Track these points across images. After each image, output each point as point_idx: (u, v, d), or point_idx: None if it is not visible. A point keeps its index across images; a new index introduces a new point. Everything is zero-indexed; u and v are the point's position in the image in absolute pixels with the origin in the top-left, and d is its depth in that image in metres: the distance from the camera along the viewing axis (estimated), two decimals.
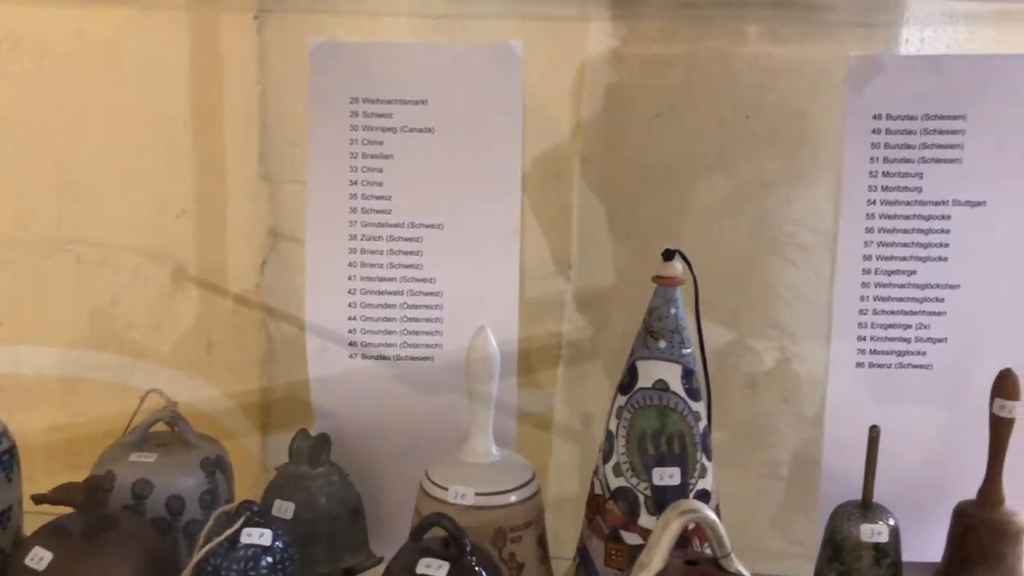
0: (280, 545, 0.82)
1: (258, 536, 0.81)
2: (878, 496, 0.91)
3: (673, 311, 0.89)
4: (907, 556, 0.94)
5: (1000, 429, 0.88)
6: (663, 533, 0.75)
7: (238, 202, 1.16)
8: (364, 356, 0.96)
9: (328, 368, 0.96)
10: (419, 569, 0.75)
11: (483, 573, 0.75)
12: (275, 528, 0.82)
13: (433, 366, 0.95)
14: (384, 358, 0.96)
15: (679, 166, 1.12)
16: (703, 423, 0.89)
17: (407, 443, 0.96)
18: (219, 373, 1.23)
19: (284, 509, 0.92)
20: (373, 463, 0.96)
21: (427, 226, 0.94)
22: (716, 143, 1.11)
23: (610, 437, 0.90)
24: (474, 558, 0.76)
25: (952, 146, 0.92)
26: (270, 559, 0.80)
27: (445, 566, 0.75)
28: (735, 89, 1.08)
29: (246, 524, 0.80)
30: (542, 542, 0.91)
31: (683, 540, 0.75)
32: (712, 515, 0.75)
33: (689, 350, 0.89)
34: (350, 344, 0.96)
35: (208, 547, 0.79)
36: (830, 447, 0.96)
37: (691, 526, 0.76)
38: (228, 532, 0.79)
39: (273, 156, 1.12)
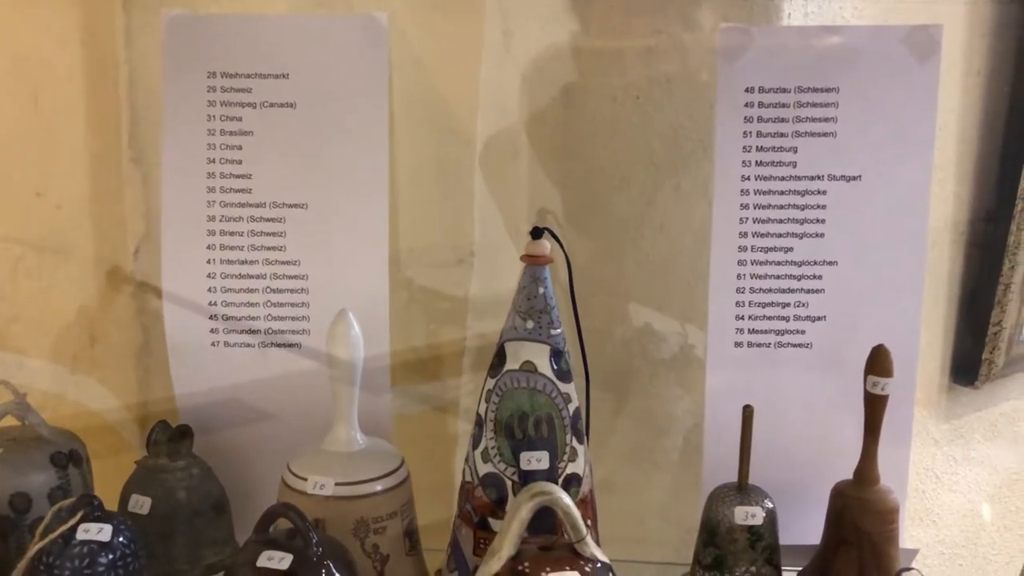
0: (122, 541, 0.77)
1: (96, 532, 0.76)
2: (759, 478, 0.89)
3: (542, 291, 0.86)
4: (790, 539, 0.92)
5: (874, 406, 0.87)
6: (514, 518, 0.71)
7: (109, 187, 1.11)
8: (227, 344, 0.92)
9: (189, 357, 0.92)
10: (260, 562, 0.71)
11: (330, 565, 0.72)
12: (117, 523, 0.78)
13: (300, 353, 0.92)
14: (248, 346, 0.92)
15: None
16: (574, 405, 0.86)
17: (275, 434, 0.92)
18: (102, 366, 1.19)
19: (140, 504, 0.87)
20: (239, 455, 0.92)
21: (290, 206, 0.90)
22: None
23: (479, 422, 0.87)
24: (321, 549, 0.73)
25: (826, 119, 0.90)
26: (109, 556, 0.76)
27: (288, 558, 0.72)
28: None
29: (84, 519, 0.76)
30: (410, 533, 0.88)
31: None
32: (565, 498, 0.72)
33: (559, 330, 0.86)
34: (211, 331, 0.91)
35: (41, 544, 0.74)
36: (711, 429, 0.94)
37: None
38: (62, 528, 0.75)
39: (143, 138, 1.07)
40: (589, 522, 0.87)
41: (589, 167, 1.12)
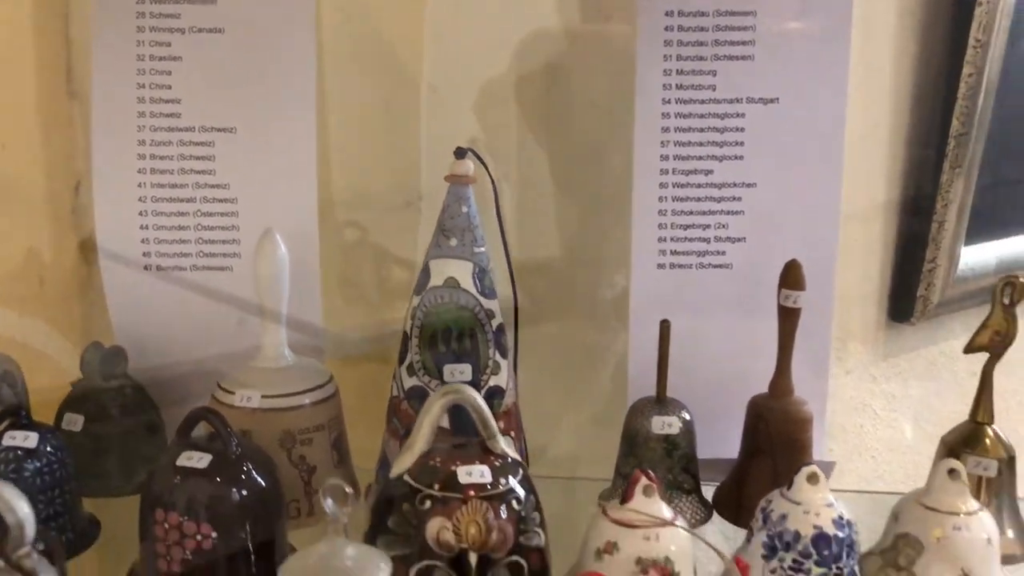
0: (49, 450, 0.79)
1: (22, 439, 0.78)
2: (682, 394, 0.92)
3: (465, 209, 0.88)
4: (710, 453, 0.96)
5: (787, 319, 0.89)
6: (426, 415, 0.74)
7: (55, 125, 1.12)
8: (159, 268, 0.93)
9: (123, 281, 0.93)
10: (180, 461, 0.74)
11: (248, 465, 0.74)
12: (45, 432, 0.80)
13: (232, 276, 0.94)
14: (180, 269, 0.93)
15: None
16: (497, 321, 0.88)
17: (208, 355, 0.94)
18: (51, 306, 1.20)
19: (73, 422, 0.89)
20: (174, 377, 0.93)
21: (219, 130, 0.91)
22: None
23: (405, 338, 0.89)
24: (240, 450, 0.75)
25: (744, 43, 0.92)
26: (36, 464, 0.78)
27: (207, 458, 0.74)
28: None
29: (10, 428, 0.78)
30: (338, 446, 0.90)
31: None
32: (476, 397, 0.74)
33: (483, 249, 0.88)
34: (144, 255, 0.93)
35: None
36: (635, 348, 0.96)
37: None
38: None
39: (81, 72, 1.08)
40: (512, 434, 0.90)
41: (533, 106, 1.14)
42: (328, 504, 0.58)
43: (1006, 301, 0.86)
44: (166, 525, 0.72)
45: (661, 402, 0.89)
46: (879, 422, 1.43)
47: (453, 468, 0.73)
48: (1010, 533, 0.84)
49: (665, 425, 0.88)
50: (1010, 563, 0.83)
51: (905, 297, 1.35)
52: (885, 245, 1.36)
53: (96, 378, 0.90)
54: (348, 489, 0.58)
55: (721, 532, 0.90)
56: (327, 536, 0.58)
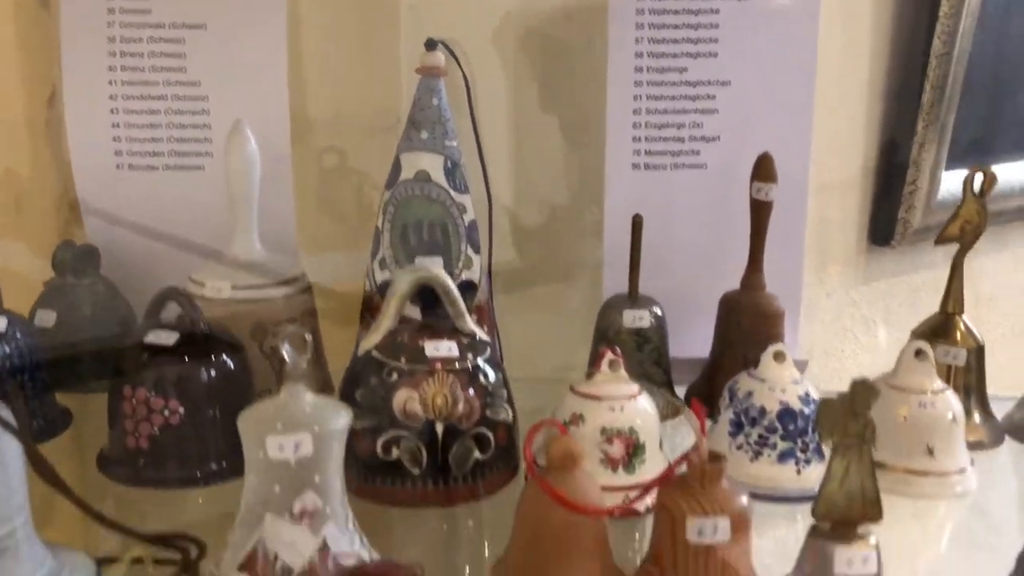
0: (18, 335, 0.79)
1: None
2: (656, 291, 0.93)
3: (436, 102, 0.88)
4: (685, 353, 0.96)
5: (759, 213, 0.90)
6: (394, 293, 0.74)
7: (21, 35, 1.11)
8: (131, 167, 0.93)
9: (95, 179, 0.93)
10: (148, 339, 0.74)
11: (215, 342, 0.74)
12: (13, 318, 0.80)
13: (204, 175, 0.93)
14: (152, 168, 0.93)
15: None
16: (469, 216, 0.88)
17: (181, 254, 0.93)
18: (27, 224, 1.19)
19: (45, 318, 0.89)
20: (147, 276, 0.92)
21: (189, 27, 0.91)
22: None
23: (377, 233, 0.89)
24: (207, 327, 0.75)
25: None
26: (5, 348, 0.78)
27: (175, 335, 0.74)
28: None
29: None
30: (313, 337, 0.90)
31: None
32: (443, 276, 0.74)
33: (454, 143, 0.88)
34: (116, 154, 0.92)
35: None
36: (609, 250, 0.96)
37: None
38: None
39: None
40: (485, 327, 0.90)
41: (510, 20, 1.13)
42: (287, 350, 0.58)
43: (976, 191, 0.86)
44: (134, 401, 0.73)
45: (633, 297, 0.89)
46: (859, 346, 1.43)
47: (420, 343, 0.73)
48: (977, 418, 0.85)
49: (636, 319, 0.88)
50: (977, 448, 0.83)
51: (885, 221, 1.34)
52: (865, 169, 1.35)
53: (68, 276, 0.90)
54: (307, 336, 0.58)
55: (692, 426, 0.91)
56: (286, 384, 0.58)
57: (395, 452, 0.70)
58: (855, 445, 0.57)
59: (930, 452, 0.76)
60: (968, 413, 0.83)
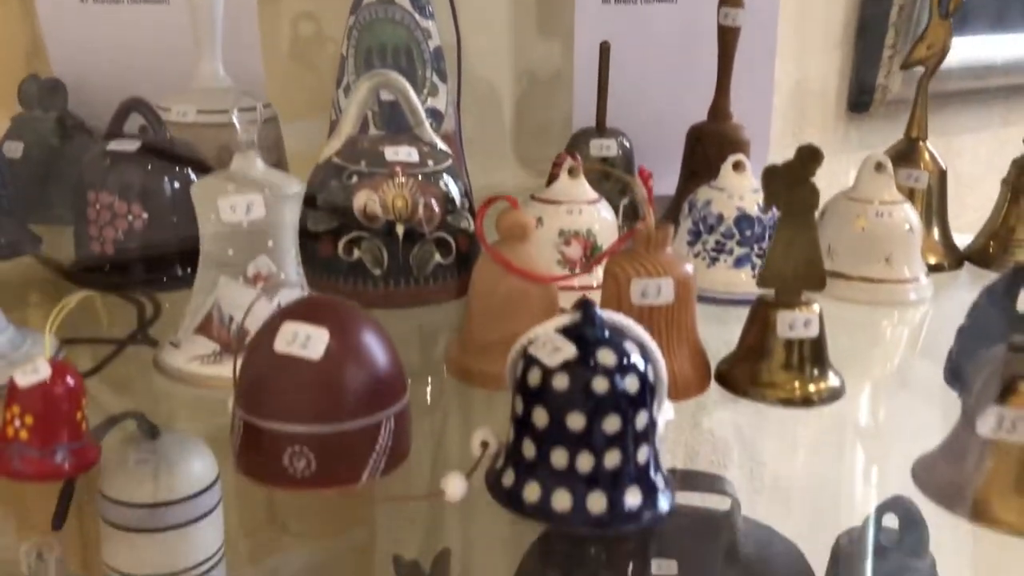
0: None
1: None
2: (626, 126, 0.93)
3: None
4: (656, 190, 0.97)
5: (726, 39, 0.89)
6: (353, 100, 0.74)
7: None
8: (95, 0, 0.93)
9: (60, 13, 0.92)
10: (111, 146, 0.74)
11: (177, 151, 0.75)
12: None
13: (168, 10, 0.92)
14: (116, 1, 0.92)
15: None
16: (435, 43, 0.87)
17: (147, 87, 0.92)
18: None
19: (13, 149, 0.89)
20: (113, 108, 0.93)
21: None
22: None
23: (341, 61, 0.88)
24: (170, 134, 0.76)
25: None
26: None
27: (137, 143, 0.73)
28: None
29: None
30: (279, 166, 0.91)
31: None
32: (403, 82, 0.74)
33: None
34: None
35: None
36: (579, 85, 0.96)
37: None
38: None
39: None
40: (454, 155, 0.91)
41: None
42: (241, 131, 0.58)
43: (942, 12, 0.86)
44: (98, 206, 0.73)
45: (600, 128, 0.90)
46: None
47: (380, 148, 0.73)
48: (937, 238, 0.86)
49: (603, 148, 0.89)
50: (937, 271, 0.85)
51: (864, 87, 1.34)
52: (845, 33, 1.35)
53: (35, 108, 0.90)
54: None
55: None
56: (238, 153, 0.59)
57: (356, 253, 0.71)
58: (800, 212, 0.58)
59: (887, 261, 0.77)
60: (929, 240, 0.85)
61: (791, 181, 0.57)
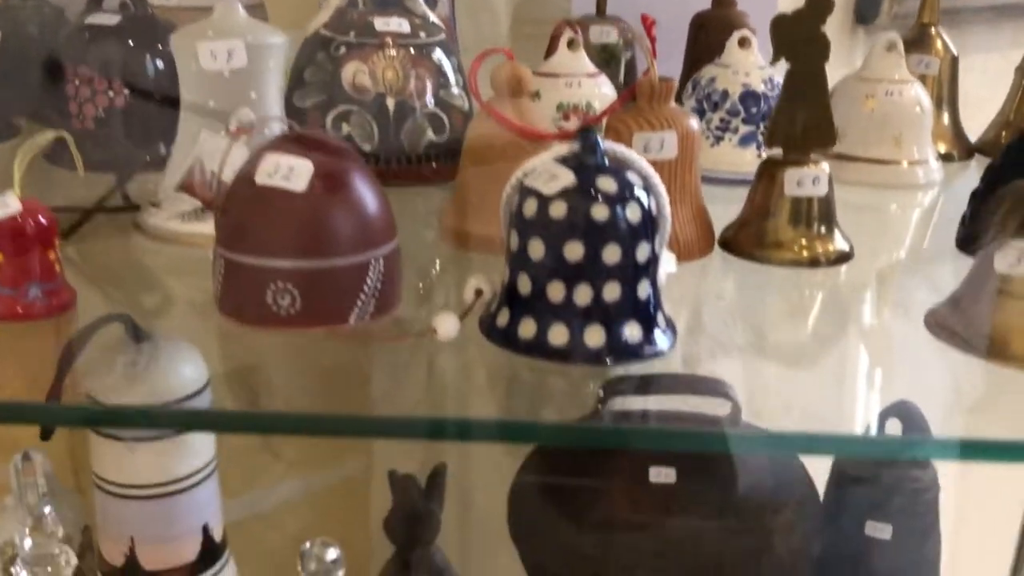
0: None
1: None
2: (631, 20, 0.90)
3: None
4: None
5: None
6: None
7: None
8: None
9: None
10: (89, 19, 0.71)
11: (158, 28, 0.72)
12: None
13: None
14: None
15: None
16: None
17: None
18: None
19: None
20: None
21: None
22: None
23: None
24: (153, 13, 0.73)
25: None
26: None
27: (118, 17, 0.71)
28: None
29: None
30: None
31: None
32: None
33: None
34: None
35: None
36: None
37: None
38: None
39: None
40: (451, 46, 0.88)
41: None
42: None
43: None
44: (77, 82, 0.71)
45: (601, 13, 0.87)
46: None
47: (370, 19, 0.70)
48: (947, 124, 0.83)
49: (603, 34, 0.86)
50: (947, 161, 0.82)
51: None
52: None
53: None
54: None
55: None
56: (219, 3, 0.56)
57: (345, 128, 0.69)
58: (810, 65, 0.55)
59: (896, 142, 0.74)
60: (939, 126, 0.82)
61: (801, 32, 0.55)
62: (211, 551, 0.68)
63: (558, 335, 0.42)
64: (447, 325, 0.44)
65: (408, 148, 0.70)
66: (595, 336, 0.42)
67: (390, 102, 0.69)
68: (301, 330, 0.44)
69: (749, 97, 0.71)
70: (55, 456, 0.81)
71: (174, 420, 0.48)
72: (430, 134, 0.70)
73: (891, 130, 0.74)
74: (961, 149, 0.84)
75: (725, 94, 0.72)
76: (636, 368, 0.43)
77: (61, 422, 0.50)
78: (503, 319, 0.44)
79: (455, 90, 0.72)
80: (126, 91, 0.71)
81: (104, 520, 0.64)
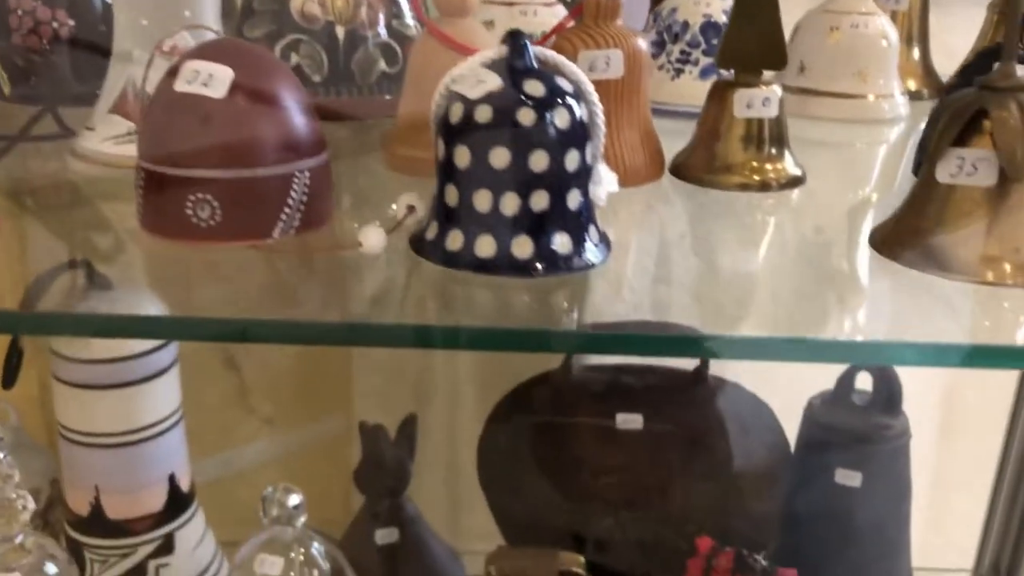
0: None
1: None
2: None
3: None
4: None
5: None
6: None
7: None
8: None
9: None
10: None
11: None
12: None
13: None
14: None
15: None
16: None
17: None
18: None
19: None
20: None
21: None
22: None
23: None
24: None
25: None
26: None
27: None
28: None
29: None
30: None
31: None
32: None
33: None
34: None
35: None
36: None
37: None
38: None
39: None
40: None
41: None
42: None
43: None
44: (19, 12, 0.69)
45: None
46: None
47: None
48: (916, 59, 0.82)
49: None
50: (916, 99, 0.81)
51: None
52: None
53: None
54: None
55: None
56: None
57: (294, 58, 0.67)
58: None
59: (860, 75, 0.73)
60: (909, 59, 0.81)
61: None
62: (178, 501, 0.67)
63: (485, 246, 0.41)
64: (373, 238, 0.43)
65: (359, 79, 0.68)
66: (523, 247, 0.41)
67: (340, 31, 0.67)
68: (223, 243, 0.43)
69: (710, 28, 0.70)
70: (26, 413, 0.81)
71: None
72: (382, 64, 0.69)
73: (855, 63, 0.72)
74: (931, 87, 0.83)
75: (686, 25, 0.70)
76: (571, 282, 0.42)
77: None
78: (432, 232, 0.43)
79: (408, 20, 0.70)
80: (71, 21, 0.69)
81: (70, 470, 0.63)
